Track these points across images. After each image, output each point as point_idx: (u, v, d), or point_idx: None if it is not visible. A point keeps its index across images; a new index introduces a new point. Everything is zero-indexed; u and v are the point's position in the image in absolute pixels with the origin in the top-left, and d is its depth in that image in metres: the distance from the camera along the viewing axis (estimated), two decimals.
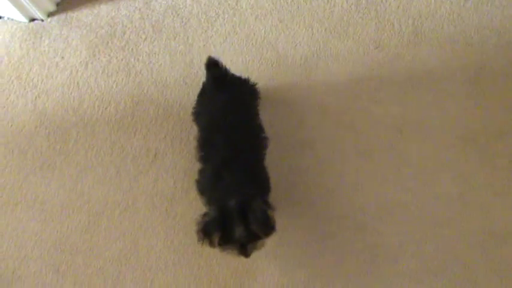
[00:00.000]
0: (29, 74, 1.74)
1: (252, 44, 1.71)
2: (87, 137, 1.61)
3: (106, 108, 1.65)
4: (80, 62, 1.74)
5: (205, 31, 1.75)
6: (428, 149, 1.50)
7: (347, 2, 1.75)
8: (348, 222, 1.43)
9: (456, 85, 1.58)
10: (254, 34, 1.73)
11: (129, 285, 1.41)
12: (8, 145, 1.63)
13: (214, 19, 1.77)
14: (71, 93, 1.69)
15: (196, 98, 1.44)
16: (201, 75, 1.59)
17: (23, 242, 1.48)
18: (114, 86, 1.69)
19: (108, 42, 1.77)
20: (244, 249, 1.15)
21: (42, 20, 1.83)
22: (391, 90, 1.59)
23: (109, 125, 1.62)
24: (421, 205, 1.43)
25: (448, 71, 1.60)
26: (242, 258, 1.18)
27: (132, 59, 1.73)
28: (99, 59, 1.74)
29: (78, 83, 1.70)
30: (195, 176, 1.30)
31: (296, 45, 1.69)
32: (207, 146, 1.29)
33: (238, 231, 1.09)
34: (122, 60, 1.73)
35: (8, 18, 1.85)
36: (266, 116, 1.50)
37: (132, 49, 1.75)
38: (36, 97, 1.70)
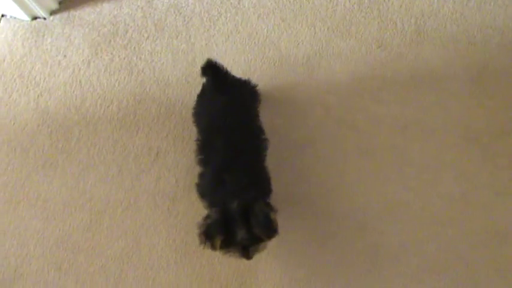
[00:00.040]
0: (31, 73, 1.74)
1: (254, 42, 1.71)
2: (89, 136, 1.61)
3: (108, 107, 1.66)
4: (82, 60, 1.74)
5: (208, 30, 1.75)
6: (431, 148, 1.50)
7: (349, 1, 1.75)
8: (349, 221, 1.43)
9: (459, 84, 1.58)
10: (256, 33, 1.73)
11: (130, 284, 1.41)
12: (11, 143, 1.63)
13: (216, 18, 1.77)
14: (73, 91, 1.69)
15: (196, 99, 1.44)
16: None
17: (25, 240, 1.49)
18: (117, 85, 1.69)
19: (110, 41, 1.77)
20: (246, 252, 1.14)
21: (45, 19, 1.84)
22: (394, 90, 1.59)
23: (111, 124, 1.63)
24: (423, 204, 1.43)
25: (451, 70, 1.60)
26: (244, 260, 1.18)
27: (135, 58, 1.73)
28: (101, 57, 1.74)
29: (80, 82, 1.71)
30: (197, 174, 1.30)
31: (298, 44, 1.69)
32: (206, 149, 1.29)
33: (241, 234, 1.09)
34: (124, 58, 1.73)
35: (11, 17, 1.85)
36: (268, 115, 1.50)
37: (134, 48, 1.75)
38: (38, 95, 1.70)
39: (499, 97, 1.55)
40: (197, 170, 1.31)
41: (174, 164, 1.54)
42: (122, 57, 1.73)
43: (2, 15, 1.86)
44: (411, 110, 1.56)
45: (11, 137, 1.64)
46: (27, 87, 1.72)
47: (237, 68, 1.65)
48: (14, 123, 1.66)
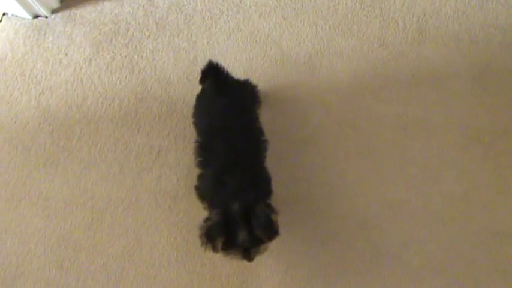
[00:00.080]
0: (33, 71, 1.74)
1: (256, 41, 1.71)
2: (91, 134, 1.61)
3: (109, 105, 1.66)
4: (84, 58, 1.74)
5: (209, 28, 1.75)
6: (432, 148, 1.50)
7: (351, 0, 1.74)
8: (351, 220, 1.43)
9: (460, 83, 1.57)
10: (258, 31, 1.72)
11: (132, 282, 1.41)
12: (12, 141, 1.63)
13: (218, 16, 1.77)
14: (75, 90, 1.69)
15: (195, 100, 1.43)
16: None
17: (26, 238, 1.49)
18: (118, 83, 1.69)
19: (111, 39, 1.77)
20: (248, 254, 1.14)
21: (46, 17, 1.84)
22: (395, 88, 1.59)
23: (112, 122, 1.63)
24: (424, 204, 1.43)
25: (453, 69, 1.59)
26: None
27: (136, 56, 1.73)
28: (102, 55, 1.74)
29: (81, 80, 1.71)
30: (196, 176, 1.30)
31: (300, 42, 1.69)
32: (206, 151, 1.29)
33: (242, 236, 1.09)
34: (125, 57, 1.73)
35: (12, 15, 1.85)
36: (269, 114, 1.50)
37: (135, 46, 1.75)
38: (39, 94, 1.70)
39: (501, 96, 1.55)
40: (197, 169, 1.31)
41: (176, 163, 1.54)
42: (123, 55, 1.73)
43: (4, 14, 1.86)
44: (413, 108, 1.55)
45: (13, 135, 1.64)
46: (28, 86, 1.72)
47: (238, 67, 1.65)
48: (15, 122, 1.66)
